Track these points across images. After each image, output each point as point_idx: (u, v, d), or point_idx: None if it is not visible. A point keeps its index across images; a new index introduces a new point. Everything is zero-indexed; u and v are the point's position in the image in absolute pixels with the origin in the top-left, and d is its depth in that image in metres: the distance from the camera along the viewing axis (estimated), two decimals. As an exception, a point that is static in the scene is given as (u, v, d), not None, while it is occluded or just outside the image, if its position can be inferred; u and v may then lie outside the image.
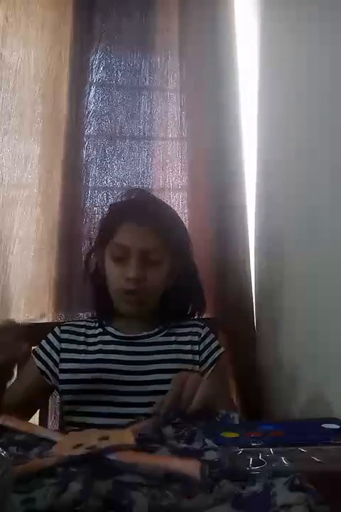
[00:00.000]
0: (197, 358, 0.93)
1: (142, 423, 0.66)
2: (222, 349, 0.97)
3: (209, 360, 0.94)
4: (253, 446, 0.59)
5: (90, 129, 1.25)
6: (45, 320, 1.15)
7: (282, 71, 1.12)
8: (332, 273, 0.87)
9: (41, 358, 0.93)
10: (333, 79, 0.87)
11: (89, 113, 1.25)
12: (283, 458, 0.52)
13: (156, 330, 0.96)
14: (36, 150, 1.19)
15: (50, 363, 0.92)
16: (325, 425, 0.69)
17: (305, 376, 0.97)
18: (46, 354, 0.93)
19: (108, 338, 0.94)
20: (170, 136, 1.30)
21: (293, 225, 1.05)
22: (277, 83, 1.16)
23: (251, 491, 0.44)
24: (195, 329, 0.97)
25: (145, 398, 0.86)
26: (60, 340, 0.94)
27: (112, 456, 0.51)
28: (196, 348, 0.94)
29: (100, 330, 0.96)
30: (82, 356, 0.91)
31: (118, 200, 1.04)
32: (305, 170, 0.99)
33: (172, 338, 0.95)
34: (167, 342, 0.94)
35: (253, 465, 0.50)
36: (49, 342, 0.94)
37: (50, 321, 1.15)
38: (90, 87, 1.26)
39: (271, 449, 0.56)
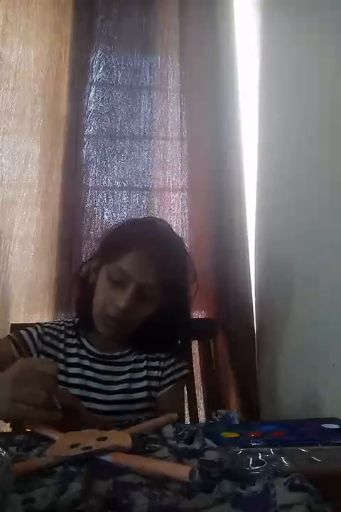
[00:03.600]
0: (160, 373, 0.95)
1: (142, 424, 0.66)
2: (185, 371, 0.97)
3: (169, 379, 0.94)
4: (253, 446, 0.59)
5: (90, 128, 1.25)
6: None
7: (282, 71, 1.12)
8: (331, 274, 0.87)
9: (20, 350, 0.88)
10: (333, 79, 0.87)
11: (89, 113, 1.25)
12: (283, 458, 0.52)
13: (128, 350, 0.96)
14: (36, 150, 1.19)
15: None
16: (325, 425, 0.69)
17: (305, 376, 0.97)
18: (26, 349, 0.89)
19: (83, 352, 0.94)
20: (170, 136, 1.30)
21: (293, 225, 1.05)
22: (277, 83, 1.16)
23: (251, 491, 0.44)
24: None
25: (109, 406, 0.88)
26: (43, 342, 0.92)
27: (107, 458, 0.51)
28: (162, 364, 0.95)
29: (77, 341, 0.95)
30: (61, 367, 0.90)
31: (128, 225, 0.98)
32: (305, 171, 0.99)
33: (143, 356, 0.96)
34: (138, 360, 0.95)
35: (253, 465, 0.50)
36: (31, 338, 0.91)
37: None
38: (90, 86, 1.26)
39: (271, 449, 0.56)
